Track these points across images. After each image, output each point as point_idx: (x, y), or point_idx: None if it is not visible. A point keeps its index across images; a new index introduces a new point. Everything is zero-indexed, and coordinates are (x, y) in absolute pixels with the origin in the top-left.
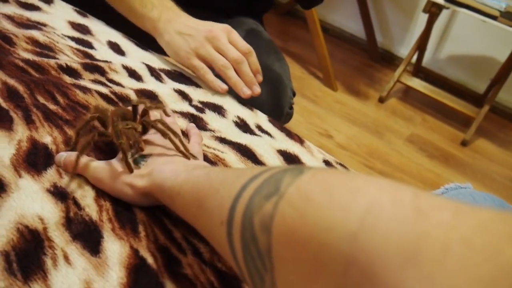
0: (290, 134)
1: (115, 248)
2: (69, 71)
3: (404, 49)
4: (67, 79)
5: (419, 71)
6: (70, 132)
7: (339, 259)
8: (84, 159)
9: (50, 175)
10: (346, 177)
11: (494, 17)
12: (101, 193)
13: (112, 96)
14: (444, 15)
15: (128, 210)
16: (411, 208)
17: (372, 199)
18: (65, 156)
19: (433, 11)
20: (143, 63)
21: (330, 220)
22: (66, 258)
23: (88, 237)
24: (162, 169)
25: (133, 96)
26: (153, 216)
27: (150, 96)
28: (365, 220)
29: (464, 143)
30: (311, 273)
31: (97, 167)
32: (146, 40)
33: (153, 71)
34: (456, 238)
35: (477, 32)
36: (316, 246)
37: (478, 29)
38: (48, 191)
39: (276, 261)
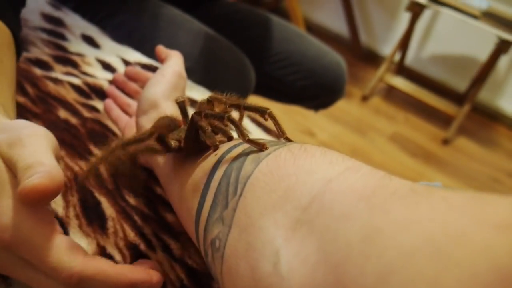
0: (268, 130)
1: (81, 245)
2: (40, 63)
3: (387, 48)
4: (38, 71)
5: (402, 70)
6: None
7: (307, 196)
8: None
9: None
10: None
11: (475, 17)
12: (69, 188)
13: (85, 87)
14: (426, 14)
15: (96, 206)
16: (381, 172)
17: (351, 165)
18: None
19: (416, 11)
20: (118, 56)
21: (314, 166)
22: None
23: None
24: None
25: (106, 87)
26: (123, 213)
27: None
28: (343, 173)
29: (445, 142)
30: (275, 203)
31: None
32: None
33: (128, 65)
34: (407, 187)
35: (459, 32)
36: (293, 181)
37: (460, 29)
38: None
39: (248, 188)
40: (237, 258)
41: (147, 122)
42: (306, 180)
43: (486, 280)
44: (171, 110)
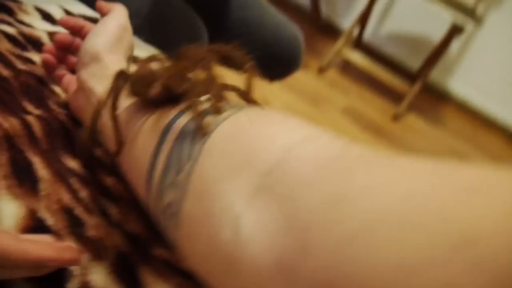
0: None
1: (9, 209)
2: None
3: (347, 22)
4: None
5: (359, 45)
6: None
7: (267, 162)
8: None
9: None
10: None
11: None
12: None
13: (20, 38)
14: None
15: (28, 167)
16: (343, 142)
17: (312, 132)
18: None
19: None
20: (60, 7)
21: (275, 132)
22: None
23: None
24: None
25: (45, 39)
26: (58, 175)
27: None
28: (304, 140)
29: (395, 118)
30: (233, 169)
31: None
32: None
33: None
34: (370, 153)
35: (417, 12)
36: (252, 147)
37: (418, 9)
38: None
39: (204, 153)
40: (195, 224)
41: (88, 76)
42: (266, 146)
43: (450, 243)
44: (115, 64)
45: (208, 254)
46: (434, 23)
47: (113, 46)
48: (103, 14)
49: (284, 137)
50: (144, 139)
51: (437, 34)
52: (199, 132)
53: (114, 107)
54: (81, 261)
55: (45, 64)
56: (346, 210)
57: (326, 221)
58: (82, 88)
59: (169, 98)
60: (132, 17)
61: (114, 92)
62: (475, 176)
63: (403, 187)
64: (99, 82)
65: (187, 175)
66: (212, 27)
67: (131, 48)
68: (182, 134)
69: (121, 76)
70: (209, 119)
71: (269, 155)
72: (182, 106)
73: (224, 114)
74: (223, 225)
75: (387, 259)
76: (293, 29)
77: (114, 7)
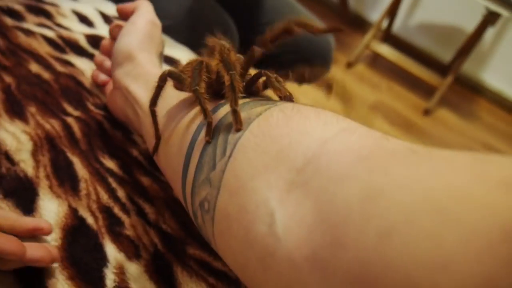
0: None
1: (51, 207)
2: (11, 13)
3: (375, 15)
4: (9, 21)
5: (388, 37)
6: (9, 80)
7: (302, 157)
8: None
9: None
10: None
11: None
12: (39, 147)
13: (59, 41)
14: None
15: (68, 166)
16: (378, 133)
17: (347, 126)
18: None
19: None
20: (96, 9)
21: (309, 127)
22: None
23: (21, 194)
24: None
25: (82, 42)
26: (97, 174)
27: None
28: (339, 134)
29: (426, 112)
30: (268, 165)
31: None
32: None
33: (107, 18)
34: (406, 147)
35: (447, 1)
36: (286, 142)
37: None
38: None
39: (238, 150)
40: (229, 220)
41: (123, 75)
42: (300, 141)
43: (488, 237)
44: (147, 62)
45: (243, 249)
46: (466, 12)
47: (144, 43)
48: (126, 15)
49: (319, 131)
50: (180, 135)
51: (469, 24)
52: (233, 128)
53: (153, 102)
54: (24, 254)
55: (94, 79)
56: (383, 203)
57: (363, 215)
58: (118, 88)
59: (213, 94)
60: (162, 17)
61: (156, 90)
62: (505, 170)
63: (441, 180)
64: (133, 81)
65: (221, 172)
66: (244, 29)
67: (162, 43)
68: (216, 130)
69: (165, 75)
70: (243, 115)
71: (303, 149)
72: (217, 102)
73: (258, 109)
74: (258, 220)
75: (423, 253)
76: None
77: (139, 4)
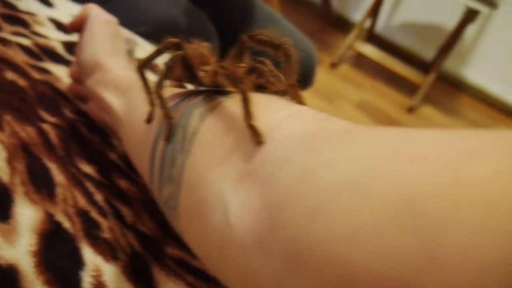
0: None
1: (27, 214)
2: None
3: (358, 15)
4: None
5: (371, 37)
6: None
7: (251, 146)
8: None
9: None
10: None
11: None
12: (14, 155)
13: (35, 49)
14: None
15: (45, 173)
16: (324, 115)
17: (295, 111)
18: None
19: None
20: (73, 16)
21: (259, 116)
22: None
23: None
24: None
25: (59, 49)
26: (74, 179)
27: None
28: (286, 120)
29: (410, 110)
30: (222, 157)
31: None
32: None
33: None
34: (344, 129)
35: (428, 0)
36: (238, 134)
37: None
38: None
39: (195, 145)
40: (191, 214)
41: (94, 85)
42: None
43: (395, 208)
44: (115, 65)
45: (204, 240)
46: (447, 10)
47: (107, 47)
48: (79, 27)
49: (267, 119)
50: (143, 135)
51: (450, 21)
52: (190, 125)
53: (143, 63)
54: None
55: (72, 92)
56: (313, 183)
57: (297, 195)
58: (92, 97)
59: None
60: (141, 23)
61: (154, 53)
62: (423, 144)
63: (363, 159)
64: (104, 88)
65: (181, 168)
66: (227, 42)
67: (121, 36)
68: (175, 128)
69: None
70: (199, 110)
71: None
72: (179, 96)
73: (213, 103)
74: (215, 211)
75: (342, 228)
76: (307, 45)
77: (87, 11)
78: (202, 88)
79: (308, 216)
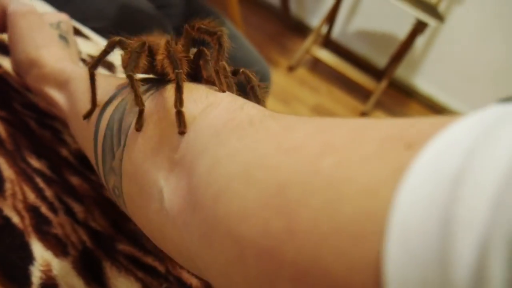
0: None
1: None
2: None
3: (316, 20)
4: None
5: (328, 43)
6: None
7: (177, 136)
8: None
9: None
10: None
11: None
12: None
13: None
14: None
15: None
16: (238, 103)
17: (213, 100)
18: None
19: None
20: None
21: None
22: None
23: None
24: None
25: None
26: (23, 174)
27: None
28: (205, 110)
29: (363, 115)
30: (154, 148)
31: None
32: None
33: None
34: (248, 120)
35: (383, 10)
36: (165, 125)
37: (384, 7)
38: None
39: (129, 138)
40: (134, 202)
41: (34, 81)
42: (174, 122)
43: (270, 193)
44: (49, 58)
45: (148, 223)
46: (399, 21)
47: (36, 40)
48: (4, 27)
49: (189, 109)
50: (86, 126)
51: (402, 31)
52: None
53: (93, 65)
54: None
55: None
56: (218, 172)
57: (206, 182)
58: (37, 93)
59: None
60: (98, 18)
61: (101, 54)
62: (299, 137)
63: (254, 151)
64: (44, 83)
65: (119, 160)
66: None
67: (47, 24)
68: (111, 122)
69: (114, 42)
70: (131, 104)
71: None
72: (107, 94)
73: (149, 93)
74: (152, 198)
75: (235, 211)
76: (264, 67)
77: (4, 5)
78: (145, 76)
79: (213, 200)
